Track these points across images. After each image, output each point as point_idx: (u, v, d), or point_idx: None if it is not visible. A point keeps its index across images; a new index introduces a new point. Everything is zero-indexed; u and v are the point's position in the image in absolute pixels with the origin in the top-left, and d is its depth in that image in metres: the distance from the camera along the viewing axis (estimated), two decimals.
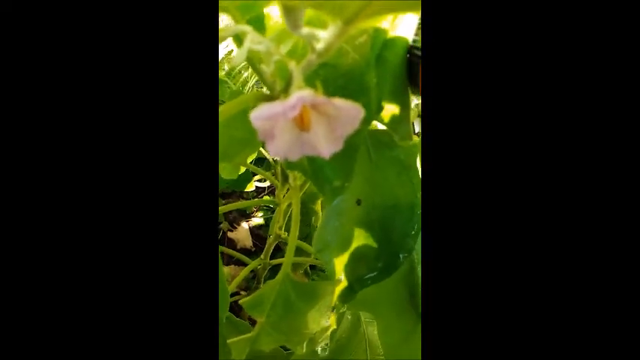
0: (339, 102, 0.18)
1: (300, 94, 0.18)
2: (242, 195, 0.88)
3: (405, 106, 0.29)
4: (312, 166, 0.27)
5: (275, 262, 0.60)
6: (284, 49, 0.24)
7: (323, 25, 0.19)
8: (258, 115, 0.18)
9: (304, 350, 0.37)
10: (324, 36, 0.19)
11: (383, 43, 0.27)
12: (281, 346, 0.44)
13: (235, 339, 0.32)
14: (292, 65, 0.20)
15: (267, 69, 0.22)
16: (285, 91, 0.22)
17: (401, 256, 0.34)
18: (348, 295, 0.34)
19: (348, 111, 0.19)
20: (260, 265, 0.61)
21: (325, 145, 0.20)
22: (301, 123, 0.19)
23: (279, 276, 0.34)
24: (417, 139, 0.35)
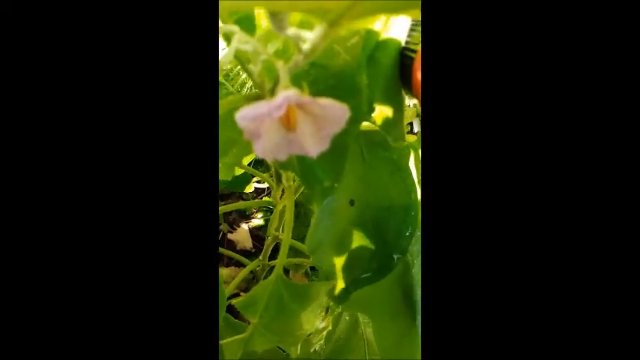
0: (325, 101, 0.18)
1: (286, 93, 0.18)
2: (241, 196, 0.88)
3: (397, 107, 0.29)
4: (301, 166, 0.27)
5: (273, 263, 0.60)
6: (272, 48, 0.24)
7: (311, 27, 0.19)
8: (244, 115, 0.18)
9: (299, 351, 0.37)
10: (310, 37, 0.19)
11: (375, 45, 0.27)
12: (279, 348, 0.44)
13: (228, 339, 0.32)
14: (279, 65, 0.20)
15: (255, 69, 0.22)
16: (273, 90, 0.22)
17: (395, 257, 0.34)
18: (342, 296, 0.34)
19: (334, 110, 0.19)
20: (259, 266, 0.61)
21: (312, 144, 0.20)
22: (287, 123, 0.19)
23: (272, 277, 0.34)
24: (410, 140, 0.35)
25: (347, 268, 0.33)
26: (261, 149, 0.20)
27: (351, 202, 0.32)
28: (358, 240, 0.33)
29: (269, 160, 0.21)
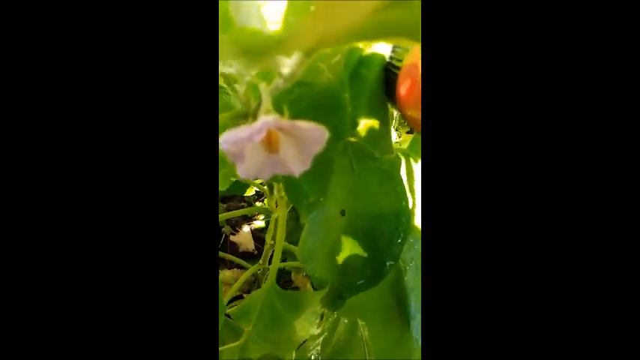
0: (304, 124, 0.19)
1: (265, 119, 0.19)
2: (243, 198, 0.88)
3: (383, 121, 0.30)
4: (286, 182, 0.27)
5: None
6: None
7: None
8: (226, 139, 0.19)
9: (293, 357, 0.38)
10: (289, 63, 0.20)
11: (359, 60, 0.28)
12: None
13: (223, 347, 0.33)
14: (262, 87, 0.20)
15: (240, 88, 0.23)
16: (257, 110, 0.22)
17: (387, 263, 0.35)
18: (336, 302, 0.35)
19: (313, 132, 0.19)
20: (259, 269, 0.62)
21: (295, 165, 0.21)
22: (269, 145, 0.20)
23: (265, 285, 0.35)
24: (401, 146, 0.35)
25: (340, 276, 0.34)
26: (244, 171, 0.20)
27: (342, 213, 0.33)
28: (350, 248, 0.34)
29: (252, 180, 0.21)
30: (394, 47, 0.28)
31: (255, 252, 0.85)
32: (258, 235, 0.88)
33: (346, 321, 0.46)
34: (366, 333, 0.46)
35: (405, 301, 0.37)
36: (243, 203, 0.88)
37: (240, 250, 0.85)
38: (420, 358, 0.37)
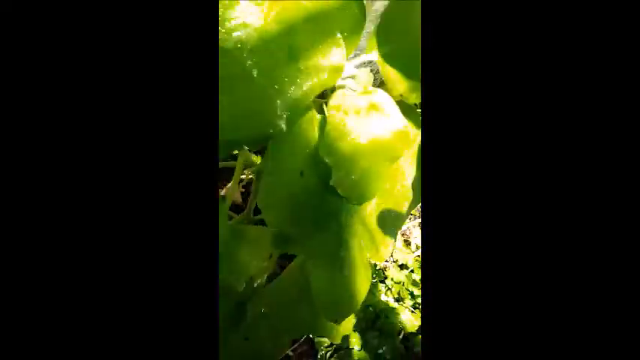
0: None
1: None
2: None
3: None
4: None
5: (259, 217, 0.65)
6: None
7: None
8: None
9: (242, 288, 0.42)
10: None
11: None
12: None
13: None
14: None
15: None
16: None
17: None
18: (284, 245, 0.39)
19: None
20: (245, 220, 0.66)
21: None
22: None
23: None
24: None
25: (293, 226, 0.38)
26: None
27: (301, 174, 0.37)
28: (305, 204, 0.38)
29: None
30: None
31: (244, 205, 0.89)
32: (247, 189, 0.91)
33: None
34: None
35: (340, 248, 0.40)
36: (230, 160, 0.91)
37: (229, 203, 0.89)
38: (350, 292, 0.40)
